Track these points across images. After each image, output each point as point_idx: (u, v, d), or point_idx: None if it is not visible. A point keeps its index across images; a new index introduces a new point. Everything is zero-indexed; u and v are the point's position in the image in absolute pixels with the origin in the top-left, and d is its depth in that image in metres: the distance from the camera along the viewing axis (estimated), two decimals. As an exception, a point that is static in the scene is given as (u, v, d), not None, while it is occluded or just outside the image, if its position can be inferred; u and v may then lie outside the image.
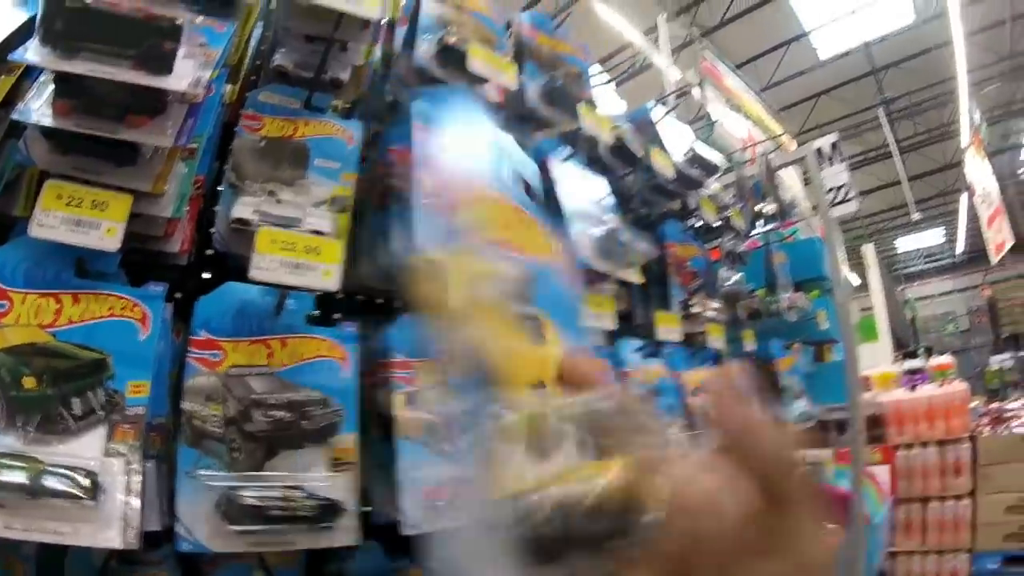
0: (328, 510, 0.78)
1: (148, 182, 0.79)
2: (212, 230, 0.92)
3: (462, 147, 0.36)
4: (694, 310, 1.52)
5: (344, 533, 0.80)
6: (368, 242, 1.02)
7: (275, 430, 0.81)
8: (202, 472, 0.77)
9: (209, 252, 0.96)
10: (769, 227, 2.29)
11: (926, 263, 16.66)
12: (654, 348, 1.41)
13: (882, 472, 4.29)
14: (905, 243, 16.00)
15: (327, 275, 0.82)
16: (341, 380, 0.88)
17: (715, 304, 1.61)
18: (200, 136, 0.90)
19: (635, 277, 1.26)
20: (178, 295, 0.89)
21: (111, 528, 0.67)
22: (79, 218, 0.74)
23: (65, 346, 0.75)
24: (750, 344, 1.83)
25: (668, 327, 1.37)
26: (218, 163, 0.99)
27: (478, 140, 0.37)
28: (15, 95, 0.81)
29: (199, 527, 0.75)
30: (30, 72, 0.81)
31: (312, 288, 0.83)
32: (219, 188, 0.96)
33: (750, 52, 9.52)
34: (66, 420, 0.71)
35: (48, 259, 0.78)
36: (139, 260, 0.87)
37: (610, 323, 1.20)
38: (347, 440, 0.85)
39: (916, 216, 11.12)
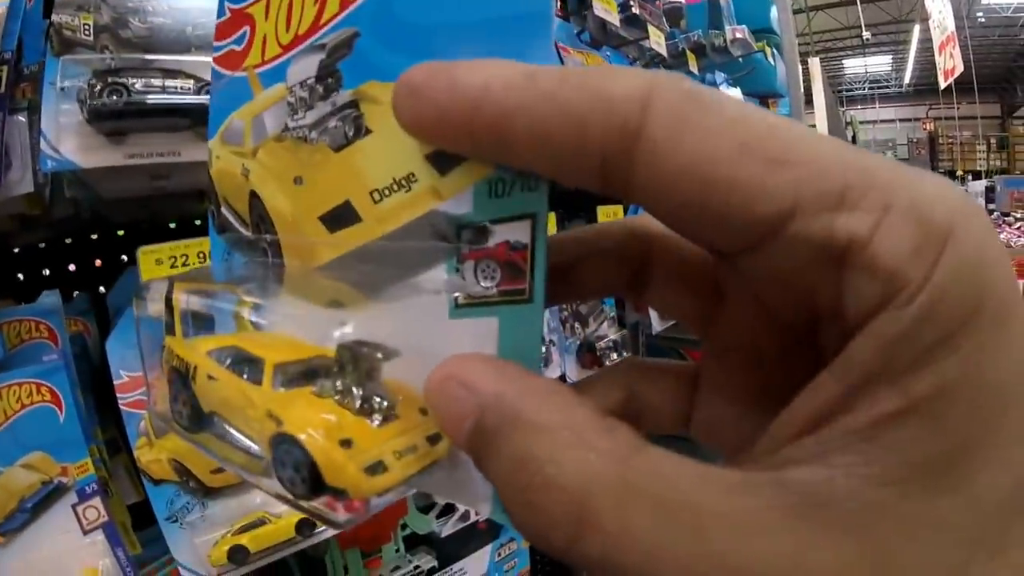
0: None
1: None
2: None
3: None
4: (634, 11, 1.42)
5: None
6: None
7: (156, 36, 0.70)
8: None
9: None
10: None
11: (871, 89, 16.63)
12: (596, 39, 1.33)
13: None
14: (852, 67, 15.76)
15: None
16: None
17: (657, 12, 1.52)
18: None
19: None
20: None
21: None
22: None
23: None
24: (694, 71, 1.76)
25: (606, 6, 1.27)
26: None
27: None
28: None
29: (66, 137, 0.62)
30: None
31: None
32: None
33: None
34: None
35: None
36: None
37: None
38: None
39: (867, 36, 10.89)
